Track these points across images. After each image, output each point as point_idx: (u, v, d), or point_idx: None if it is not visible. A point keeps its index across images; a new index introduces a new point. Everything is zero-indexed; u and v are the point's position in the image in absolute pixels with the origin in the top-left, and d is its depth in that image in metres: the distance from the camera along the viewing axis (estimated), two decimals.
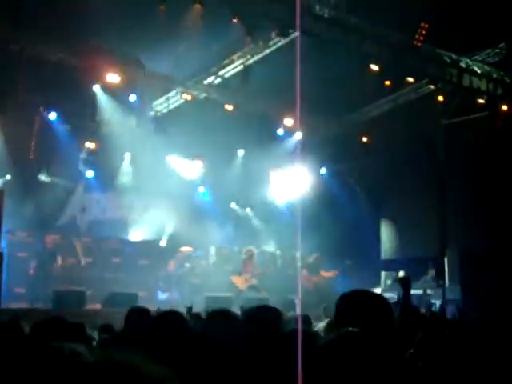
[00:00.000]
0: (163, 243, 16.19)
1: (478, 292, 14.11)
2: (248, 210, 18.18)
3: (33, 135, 14.30)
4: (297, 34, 13.04)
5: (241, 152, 17.73)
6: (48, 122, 14.44)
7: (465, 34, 13.56)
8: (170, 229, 16.96)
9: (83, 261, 13.62)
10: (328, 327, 5.31)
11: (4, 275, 10.46)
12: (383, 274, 17.21)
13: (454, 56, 15.09)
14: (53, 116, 14.47)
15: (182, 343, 3.31)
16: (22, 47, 13.34)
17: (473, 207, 16.14)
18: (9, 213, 11.65)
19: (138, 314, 4.71)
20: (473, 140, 15.99)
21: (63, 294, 11.46)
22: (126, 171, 16.09)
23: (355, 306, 2.60)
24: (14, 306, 11.11)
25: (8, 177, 13.85)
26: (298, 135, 17.71)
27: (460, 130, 16.58)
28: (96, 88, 14.58)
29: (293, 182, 18.54)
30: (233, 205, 17.91)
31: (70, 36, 13.07)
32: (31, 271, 12.31)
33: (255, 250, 15.56)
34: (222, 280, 14.53)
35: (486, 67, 15.65)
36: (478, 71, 15.53)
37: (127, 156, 16.06)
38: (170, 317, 3.79)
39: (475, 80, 15.55)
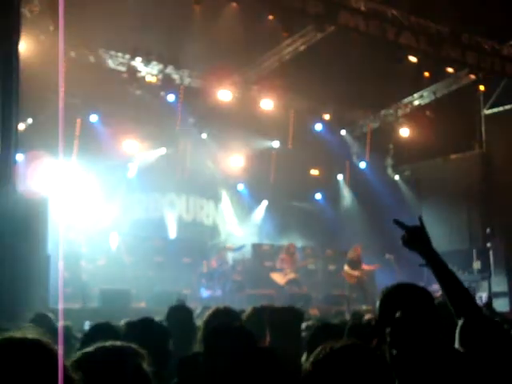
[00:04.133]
0: (206, 241, 16.32)
1: None
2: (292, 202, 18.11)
3: (75, 138, 14.56)
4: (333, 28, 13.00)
5: (277, 146, 17.65)
6: (89, 124, 14.67)
7: (505, 20, 13.27)
8: (211, 227, 17.10)
9: (127, 259, 13.81)
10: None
11: (53, 276, 10.66)
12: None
13: (494, 44, 14.78)
14: (94, 118, 14.70)
15: (234, 340, 3.32)
16: (62, 49, 13.59)
17: None
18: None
19: (179, 312, 4.77)
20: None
21: (109, 293, 11.65)
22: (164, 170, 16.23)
23: (399, 300, 2.56)
24: (64, 305, 11.31)
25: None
26: (338, 130, 17.71)
27: (502, 119, 16.27)
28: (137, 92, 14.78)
29: (330, 176, 18.53)
30: (264, 202, 17.80)
31: (108, 37, 13.25)
32: (65, 274, 12.36)
33: (296, 246, 15.54)
34: (264, 277, 14.57)
35: None
36: None
37: (161, 151, 16.14)
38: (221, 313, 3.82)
39: None
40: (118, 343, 1.91)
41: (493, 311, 7.71)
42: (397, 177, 18.93)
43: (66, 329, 4.27)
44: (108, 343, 1.91)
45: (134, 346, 1.92)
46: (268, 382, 2.59)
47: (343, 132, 18.05)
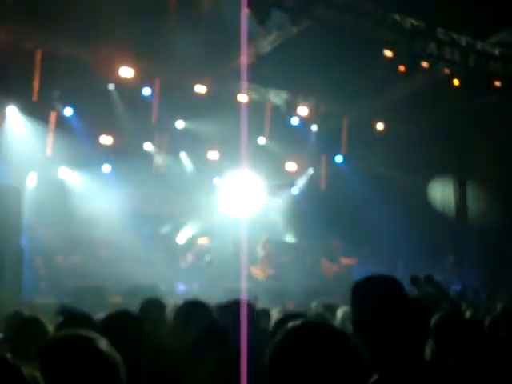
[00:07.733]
0: (182, 235, 16.26)
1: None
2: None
3: (49, 131, 14.41)
4: (309, 22, 12.99)
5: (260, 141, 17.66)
6: (64, 118, 14.52)
7: (480, 16, 13.37)
8: (187, 221, 17.03)
9: (103, 254, 13.73)
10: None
11: (26, 271, 10.55)
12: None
13: (469, 39, 14.88)
14: (69, 112, 14.54)
15: (207, 335, 3.32)
16: (36, 44, 13.43)
17: (492, 189, 16.03)
18: (29, 209, 11.77)
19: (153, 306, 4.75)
20: (488, 123, 15.88)
21: (84, 288, 11.55)
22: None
23: (369, 292, 2.55)
24: (39, 301, 11.20)
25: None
26: (315, 124, 17.74)
27: (476, 113, 16.44)
28: (111, 86, 14.64)
29: (307, 170, 18.57)
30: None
31: (83, 31, 13.11)
32: (42, 270, 12.34)
33: (272, 240, 15.55)
34: (241, 271, 14.55)
35: (502, 49, 15.42)
36: (495, 53, 15.32)
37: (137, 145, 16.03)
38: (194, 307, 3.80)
39: (491, 63, 15.34)
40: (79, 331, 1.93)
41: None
42: (373, 170, 19.02)
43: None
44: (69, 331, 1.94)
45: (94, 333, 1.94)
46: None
47: (319, 125, 18.07)
